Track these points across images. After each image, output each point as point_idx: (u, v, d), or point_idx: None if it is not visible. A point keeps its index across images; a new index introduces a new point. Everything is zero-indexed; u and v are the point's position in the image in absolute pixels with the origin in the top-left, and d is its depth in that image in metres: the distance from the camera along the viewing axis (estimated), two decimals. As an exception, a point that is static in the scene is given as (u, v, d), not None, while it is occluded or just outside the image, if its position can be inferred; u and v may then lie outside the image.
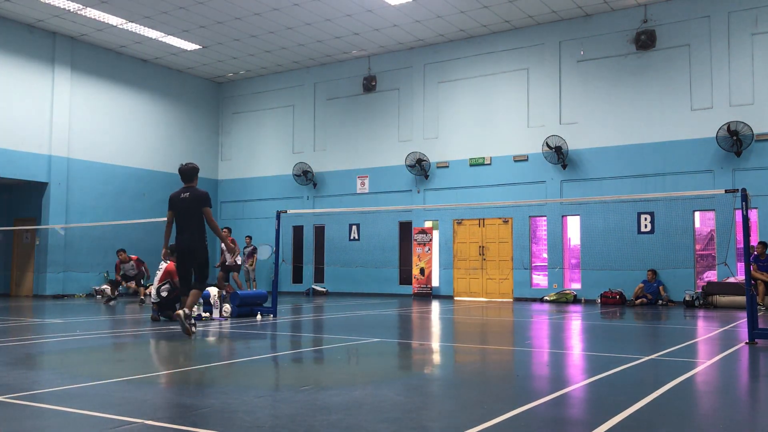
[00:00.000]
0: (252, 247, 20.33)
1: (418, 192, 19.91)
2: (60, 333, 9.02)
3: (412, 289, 19.37)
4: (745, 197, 7.89)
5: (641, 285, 15.74)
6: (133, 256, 16.43)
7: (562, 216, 17.89)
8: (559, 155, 17.43)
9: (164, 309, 10.66)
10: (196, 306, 11.01)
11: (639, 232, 16.63)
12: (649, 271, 15.77)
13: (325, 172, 21.73)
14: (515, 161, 18.47)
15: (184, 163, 8.79)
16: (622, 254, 16.50)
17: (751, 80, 15.75)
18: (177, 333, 8.97)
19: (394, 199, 20.22)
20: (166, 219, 8.75)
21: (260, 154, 23.19)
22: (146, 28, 18.55)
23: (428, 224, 19.84)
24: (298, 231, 22.10)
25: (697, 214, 16.34)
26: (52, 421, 4.01)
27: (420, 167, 19.54)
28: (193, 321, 8.35)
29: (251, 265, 20.09)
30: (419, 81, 20.27)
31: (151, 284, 19.99)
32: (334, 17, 17.73)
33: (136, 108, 21.31)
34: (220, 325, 10.18)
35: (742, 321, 10.81)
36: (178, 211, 8.48)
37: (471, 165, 19.14)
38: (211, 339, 8.56)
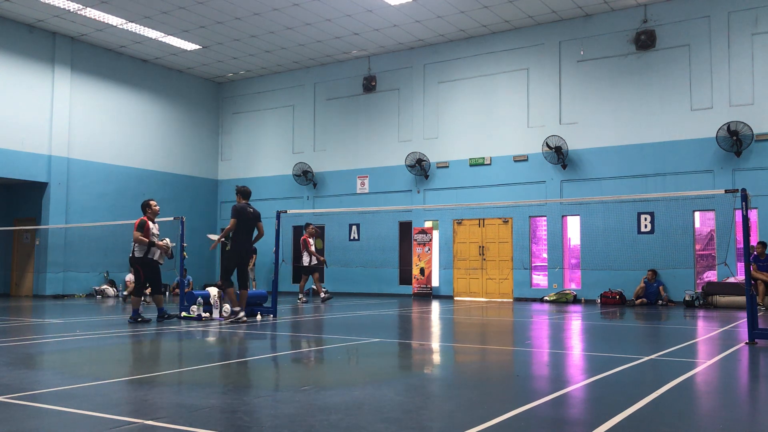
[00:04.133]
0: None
1: (418, 192, 19.91)
2: (60, 333, 9.02)
3: (412, 289, 19.37)
4: (745, 197, 7.89)
5: (642, 285, 15.72)
6: None
7: (562, 216, 17.89)
8: (559, 155, 17.43)
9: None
10: (195, 306, 11.06)
11: (639, 232, 16.62)
12: (649, 271, 15.76)
13: (325, 172, 21.74)
14: (515, 161, 18.47)
15: (243, 185, 11.27)
16: (622, 254, 16.50)
17: (751, 80, 15.75)
18: (176, 333, 8.98)
19: (394, 199, 20.22)
20: (230, 226, 10.66)
21: (260, 154, 23.19)
22: (146, 28, 18.55)
23: (428, 224, 19.84)
24: (298, 231, 22.08)
25: (697, 214, 16.34)
26: (52, 421, 4.01)
27: (420, 167, 19.54)
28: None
29: (250, 265, 20.10)
30: (419, 81, 20.27)
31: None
32: (334, 17, 17.73)
33: (136, 108, 21.31)
34: (220, 325, 10.18)
35: (742, 321, 10.81)
36: (245, 221, 10.70)
37: (471, 165, 19.14)
38: (211, 339, 8.57)
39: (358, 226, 20.78)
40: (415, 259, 19.37)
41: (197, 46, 20.09)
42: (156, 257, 10.61)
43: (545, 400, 4.56)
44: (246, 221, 10.73)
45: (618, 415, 4.05)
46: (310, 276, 16.71)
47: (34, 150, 18.44)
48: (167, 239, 11.21)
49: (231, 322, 10.48)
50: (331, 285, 21.18)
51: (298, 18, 17.77)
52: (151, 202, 10.94)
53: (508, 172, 18.52)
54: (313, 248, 16.32)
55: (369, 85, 21.03)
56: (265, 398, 4.65)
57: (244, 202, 10.92)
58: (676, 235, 16.05)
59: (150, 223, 10.67)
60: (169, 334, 8.90)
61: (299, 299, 16.27)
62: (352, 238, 20.88)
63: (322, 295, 16.05)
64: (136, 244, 10.52)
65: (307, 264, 16.27)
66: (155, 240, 10.61)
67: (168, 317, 10.66)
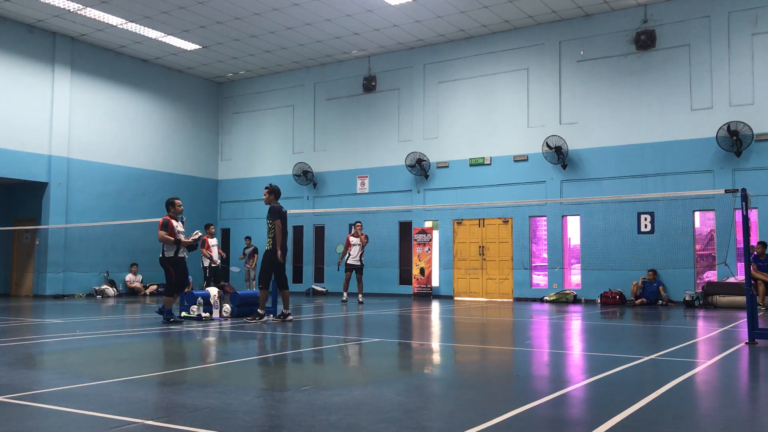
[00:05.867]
0: (252, 247, 20.35)
1: (418, 192, 19.91)
2: (60, 333, 9.02)
3: (412, 289, 19.37)
4: (745, 197, 7.89)
5: (637, 282, 15.70)
6: None
7: (562, 216, 17.88)
8: (559, 155, 17.43)
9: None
10: (195, 306, 11.05)
11: (639, 232, 16.62)
12: (649, 271, 15.76)
13: (325, 172, 21.73)
14: (515, 161, 18.47)
15: (274, 184, 11.21)
16: (622, 254, 16.50)
17: (751, 80, 15.74)
18: (176, 333, 8.99)
19: (394, 199, 20.21)
20: (278, 228, 10.91)
21: (260, 154, 23.19)
22: (146, 28, 18.55)
23: (428, 224, 19.84)
24: (298, 231, 22.10)
25: (697, 214, 16.34)
26: (52, 421, 4.01)
27: (420, 167, 19.54)
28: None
29: (252, 265, 20.13)
30: (419, 81, 20.27)
31: (152, 284, 20.07)
32: (334, 17, 17.73)
33: (136, 108, 21.31)
34: (220, 325, 10.18)
35: (742, 321, 10.81)
36: (285, 222, 10.99)
37: (471, 165, 19.13)
38: (211, 339, 8.57)
39: (358, 226, 20.75)
40: (415, 259, 19.37)
41: (197, 46, 20.09)
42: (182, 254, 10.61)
43: (545, 400, 4.56)
44: (286, 222, 11.01)
45: (618, 415, 4.05)
46: (354, 275, 16.41)
47: (34, 150, 18.44)
48: (199, 231, 11.23)
49: (256, 323, 10.45)
50: (332, 285, 21.18)
51: (298, 18, 17.77)
52: (176, 201, 10.79)
53: (508, 172, 18.51)
54: (354, 248, 16.35)
55: (369, 85, 21.03)
56: (265, 398, 4.65)
57: (277, 203, 10.98)
58: (676, 235, 16.05)
59: (174, 221, 10.56)
60: (169, 334, 8.90)
61: (359, 301, 16.18)
62: (352, 238, 20.85)
63: (344, 296, 16.38)
64: (165, 244, 10.46)
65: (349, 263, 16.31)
66: (181, 237, 10.53)
67: (171, 318, 10.56)
